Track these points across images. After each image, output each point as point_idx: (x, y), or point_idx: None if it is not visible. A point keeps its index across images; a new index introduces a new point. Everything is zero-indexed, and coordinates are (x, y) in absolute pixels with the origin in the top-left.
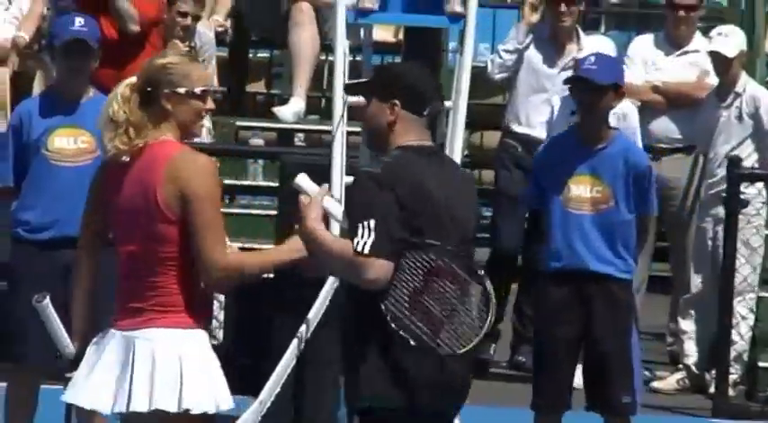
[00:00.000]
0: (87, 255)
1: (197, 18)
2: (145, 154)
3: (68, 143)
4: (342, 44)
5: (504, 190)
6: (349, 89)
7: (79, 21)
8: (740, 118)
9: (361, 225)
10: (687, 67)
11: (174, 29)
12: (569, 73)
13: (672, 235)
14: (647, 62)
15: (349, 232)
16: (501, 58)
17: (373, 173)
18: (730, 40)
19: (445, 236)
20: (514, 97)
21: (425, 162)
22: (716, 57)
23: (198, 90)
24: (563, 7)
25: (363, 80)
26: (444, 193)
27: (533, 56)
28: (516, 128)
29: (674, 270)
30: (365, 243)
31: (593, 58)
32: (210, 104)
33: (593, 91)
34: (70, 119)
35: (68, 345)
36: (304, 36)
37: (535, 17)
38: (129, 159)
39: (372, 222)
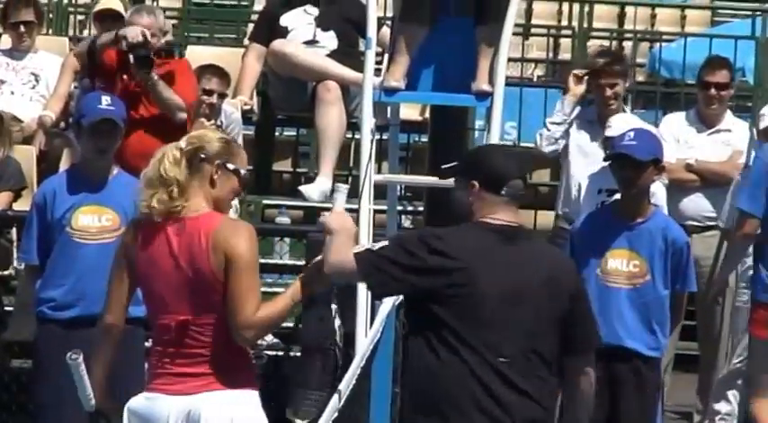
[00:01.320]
0: (117, 330)
1: (222, 96)
2: (187, 226)
3: (92, 221)
4: (368, 123)
5: None
6: (444, 172)
7: (106, 100)
8: None
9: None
10: (719, 146)
11: (200, 107)
12: None
13: (701, 313)
14: (678, 140)
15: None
16: (549, 130)
17: (436, 232)
18: None
19: (482, 337)
20: (565, 181)
21: (492, 243)
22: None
23: (243, 171)
24: (608, 91)
25: (454, 163)
26: (500, 288)
27: (582, 139)
28: (569, 213)
29: (703, 349)
30: (370, 247)
31: (632, 134)
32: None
33: (634, 167)
34: (94, 197)
35: (92, 398)
36: (331, 115)
37: (580, 88)
38: (164, 227)
39: (392, 246)
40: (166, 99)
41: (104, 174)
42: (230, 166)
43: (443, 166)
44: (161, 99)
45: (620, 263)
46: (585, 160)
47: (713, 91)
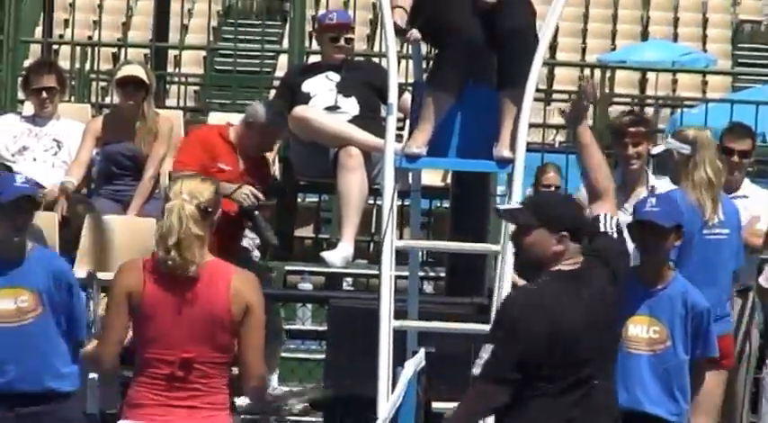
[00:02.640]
0: (114, 371)
1: None
2: (202, 271)
3: (9, 304)
4: (390, 189)
5: None
6: (507, 215)
7: (21, 178)
8: None
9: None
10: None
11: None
12: None
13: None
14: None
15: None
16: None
17: (523, 297)
18: None
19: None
20: None
21: (565, 290)
22: None
23: (218, 211)
24: (630, 150)
25: (518, 207)
26: (573, 325)
27: None
28: None
29: (725, 418)
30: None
31: (653, 200)
32: None
33: (657, 234)
34: (8, 279)
35: None
36: (353, 181)
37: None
38: (176, 274)
39: (496, 346)
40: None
41: (20, 252)
42: (216, 212)
43: (502, 208)
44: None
45: (640, 329)
46: None
47: (736, 158)
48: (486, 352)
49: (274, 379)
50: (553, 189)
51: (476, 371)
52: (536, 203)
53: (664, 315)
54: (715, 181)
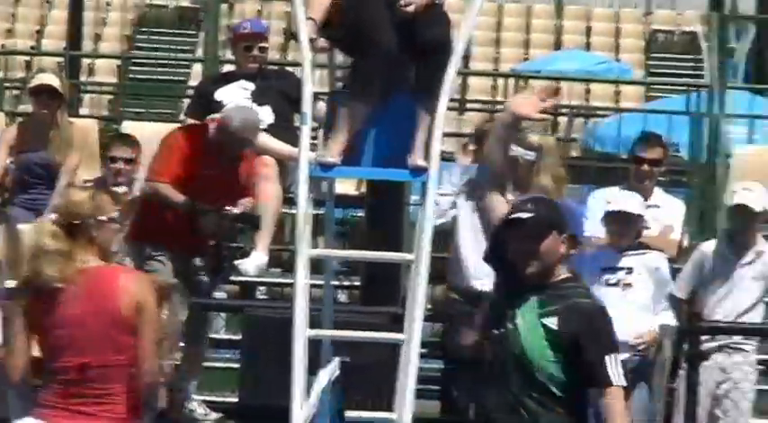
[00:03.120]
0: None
1: (130, 162)
2: (87, 279)
3: None
4: (304, 198)
5: None
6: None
7: None
8: (757, 278)
9: (610, 357)
10: (650, 222)
11: (109, 178)
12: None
13: None
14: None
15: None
16: (437, 204)
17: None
18: (756, 195)
19: None
20: (455, 253)
21: None
22: (741, 211)
23: (115, 215)
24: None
25: (529, 215)
26: None
27: (470, 209)
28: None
29: None
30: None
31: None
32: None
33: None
34: None
35: None
36: (267, 190)
37: (467, 159)
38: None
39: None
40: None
41: None
42: (102, 219)
43: (521, 216)
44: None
45: None
46: (475, 233)
47: (646, 167)
48: (612, 361)
49: (193, 386)
50: None
51: (616, 381)
52: (547, 206)
53: None
54: (557, 188)
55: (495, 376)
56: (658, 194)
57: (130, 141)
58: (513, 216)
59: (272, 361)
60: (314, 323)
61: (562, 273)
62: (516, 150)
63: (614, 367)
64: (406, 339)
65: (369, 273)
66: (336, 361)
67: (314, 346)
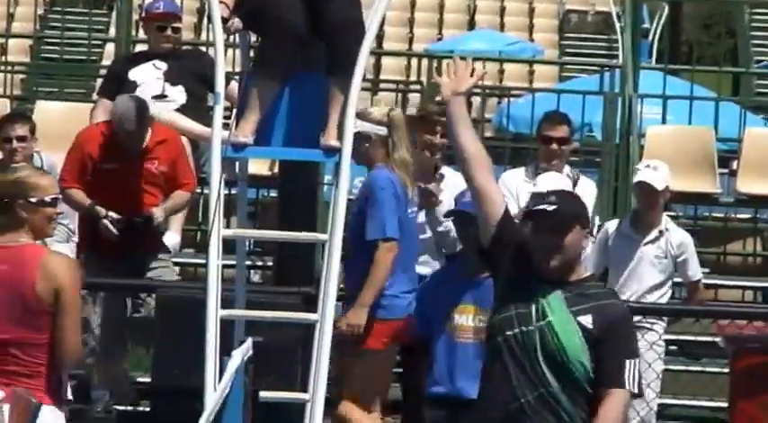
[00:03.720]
0: None
1: (22, 140)
2: (8, 256)
3: None
4: (217, 178)
5: None
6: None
7: None
8: (660, 257)
9: (630, 361)
10: None
11: (11, 154)
12: None
13: None
14: (515, 195)
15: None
16: None
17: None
18: (659, 173)
19: None
20: None
21: None
22: (643, 188)
23: (48, 198)
24: (438, 139)
25: (553, 207)
26: None
27: None
28: None
29: None
30: (635, 382)
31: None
32: (59, 209)
33: (472, 224)
34: None
35: None
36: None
37: None
38: None
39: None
40: None
41: None
42: (33, 200)
43: (546, 208)
44: None
45: (466, 318)
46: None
47: (554, 146)
48: (632, 366)
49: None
50: None
51: (629, 385)
52: (571, 200)
53: (488, 303)
54: (411, 160)
55: (498, 374)
56: (566, 172)
57: (20, 118)
58: (536, 207)
59: (184, 342)
60: (226, 304)
61: (583, 270)
62: (364, 126)
63: (632, 372)
64: (319, 320)
65: (281, 253)
66: (249, 341)
67: (226, 326)
